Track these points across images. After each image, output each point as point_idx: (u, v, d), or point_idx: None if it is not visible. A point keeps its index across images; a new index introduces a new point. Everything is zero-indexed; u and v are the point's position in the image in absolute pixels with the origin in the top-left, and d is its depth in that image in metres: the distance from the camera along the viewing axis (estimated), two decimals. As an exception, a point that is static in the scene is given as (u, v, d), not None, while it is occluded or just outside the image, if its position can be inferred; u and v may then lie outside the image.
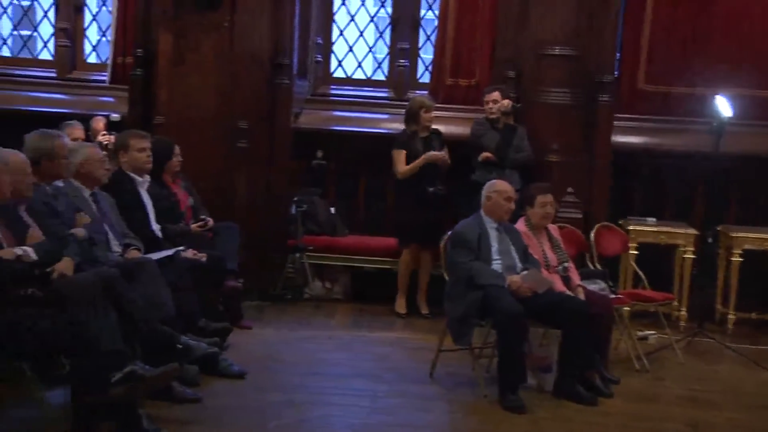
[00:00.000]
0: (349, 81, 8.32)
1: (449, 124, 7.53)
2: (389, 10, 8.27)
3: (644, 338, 6.55)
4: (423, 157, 6.96)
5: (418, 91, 7.84)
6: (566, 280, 5.59)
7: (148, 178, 5.96)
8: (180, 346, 4.83)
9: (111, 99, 7.99)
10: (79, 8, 8.39)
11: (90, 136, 7.26)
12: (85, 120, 7.43)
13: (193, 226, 6.23)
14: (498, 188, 5.55)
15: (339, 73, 8.32)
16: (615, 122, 7.33)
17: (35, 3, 8.62)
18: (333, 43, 8.29)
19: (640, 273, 6.59)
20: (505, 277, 5.25)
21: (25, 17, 8.74)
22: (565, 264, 5.67)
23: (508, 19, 7.48)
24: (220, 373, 5.22)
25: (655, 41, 7.64)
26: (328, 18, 8.19)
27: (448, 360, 5.57)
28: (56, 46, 8.39)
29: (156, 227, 5.88)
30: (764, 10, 7.59)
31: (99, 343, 3.97)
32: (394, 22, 8.21)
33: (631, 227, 7.08)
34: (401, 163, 7.03)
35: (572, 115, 7.26)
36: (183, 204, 6.35)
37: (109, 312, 4.12)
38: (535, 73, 7.31)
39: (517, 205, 5.70)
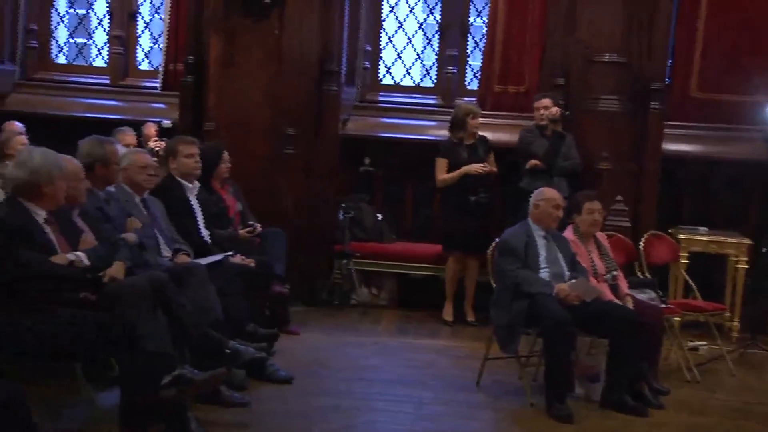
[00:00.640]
0: (397, 88, 8.34)
1: (497, 131, 7.51)
2: (438, 16, 8.27)
3: (695, 349, 6.45)
4: (461, 170, 6.96)
5: (466, 98, 7.82)
6: (614, 289, 5.54)
7: (197, 184, 6.03)
8: (228, 351, 4.87)
9: (162, 105, 8.10)
10: (133, 16, 8.53)
11: (141, 143, 7.38)
12: (137, 126, 7.55)
13: (242, 231, 6.29)
14: (546, 196, 5.52)
15: (387, 80, 8.34)
16: (665, 130, 7.26)
17: (90, 11, 8.78)
18: (381, 50, 8.31)
19: (691, 282, 6.50)
20: (552, 285, 5.21)
21: (80, 25, 8.90)
22: (614, 272, 5.62)
23: (557, 25, 7.45)
24: (268, 378, 5.24)
25: (707, 48, 7.52)
26: (377, 25, 8.22)
27: (494, 368, 5.55)
28: (110, 54, 8.53)
29: (205, 233, 5.94)
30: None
31: (149, 346, 4.03)
32: (443, 28, 8.21)
33: (681, 236, 6.98)
34: (441, 172, 7.05)
35: (622, 123, 7.20)
36: (232, 210, 6.41)
37: (159, 316, 4.19)
38: (584, 80, 7.27)
39: (566, 213, 5.66)
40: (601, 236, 5.81)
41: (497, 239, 5.58)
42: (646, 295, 5.78)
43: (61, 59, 8.75)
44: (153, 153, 6.91)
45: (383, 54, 8.34)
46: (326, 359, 5.91)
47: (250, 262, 5.81)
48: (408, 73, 8.39)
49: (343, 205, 7.42)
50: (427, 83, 8.42)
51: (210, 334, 4.68)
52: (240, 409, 4.75)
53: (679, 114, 7.52)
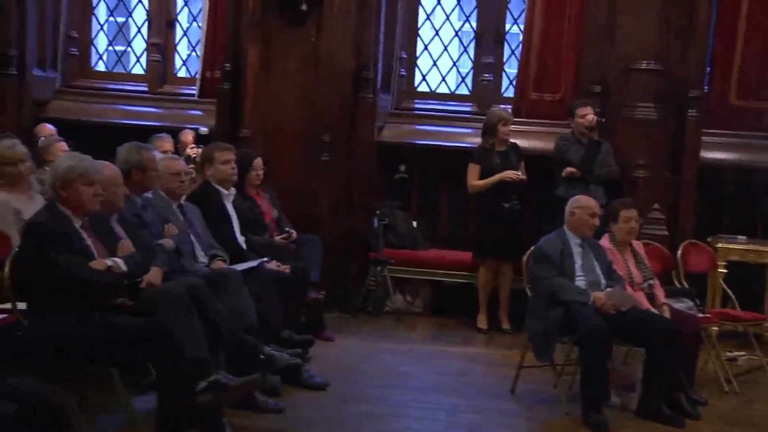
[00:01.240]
0: (432, 95, 8.33)
1: (532, 139, 7.49)
2: (474, 24, 8.26)
3: (733, 359, 6.36)
4: (497, 176, 6.94)
5: (501, 106, 7.80)
6: (651, 298, 5.49)
7: (233, 190, 6.07)
8: (263, 357, 4.91)
9: (199, 112, 8.17)
10: (171, 24, 8.63)
11: (179, 149, 7.44)
12: (175, 133, 7.63)
13: (277, 238, 6.32)
14: (582, 204, 5.48)
15: (423, 87, 8.34)
16: (703, 137, 7.18)
17: (130, 19, 8.89)
18: (417, 57, 8.32)
19: (729, 292, 6.42)
20: (588, 294, 5.18)
21: (120, 33, 9.02)
22: (651, 281, 5.57)
23: (594, 33, 7.41)
24: (302, 384, 5.26)
25: (747, 55, 7.42)
26: (413, 32, 8.22)
27: (529, 376, 5.52)
28: (148, 61, 8.62)
29: (241, 239, 5.99)
30: None
31: (185, 351, 4.06)
32: (479, 36, 8.19)
33: (719, 245, 6.89)
34: (473, 178, 7.05)
35: (659, 131, 7.15)
36: (267, 216, 6.45)
37: (195, 321, 4.21)
38: (621, 88, 7.23)
39: (602, 222, 5.62)
40: (638, 245, 5.76)
41: (533, 247, 5.55)
42: (683, 305, 5.72)
43: (101, 67, 8.87)
44: (190, 160, 6.97)
45: (419, 61, 8.35)
46: (361, 366, 5.91)
47: (286, 269, 5.84)
48: (444, 80, 8.38)
49: (377, 212, 7.43)
50: (463, 91, 8.40)
51: (245, 340, 4.71)
52: (274, 415, 4.78)
53: (718, 121, 7.43)
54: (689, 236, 6.73)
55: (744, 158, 7.42)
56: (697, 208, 7.17)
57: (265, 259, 5.73)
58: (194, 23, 8.81)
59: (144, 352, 4.06)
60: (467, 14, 8.34)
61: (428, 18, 8.31)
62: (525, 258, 5.63)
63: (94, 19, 8.79)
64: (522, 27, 7.98)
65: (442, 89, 8.39)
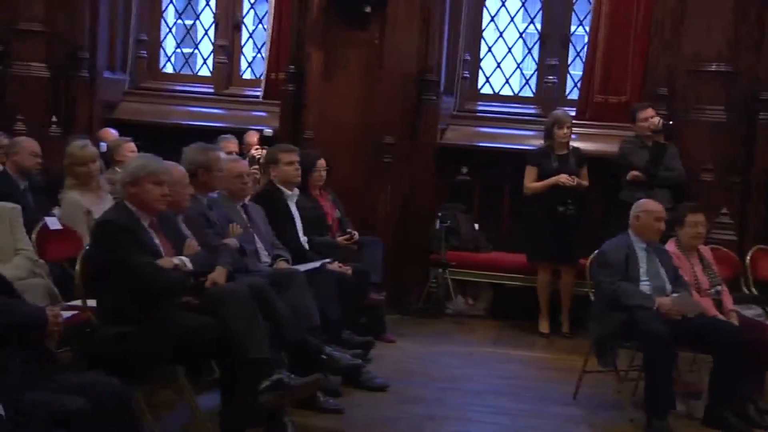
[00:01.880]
0: (496, 97, 8.29)
1: (597, 142, 7.41)
2: (538, 26, 8.20)
3: (803, 368, 6.20)
4: (551, 180, 6.90)
5: (566, 108, 7.73)
6: (719, 304, 5.37)
7: (297, 191, 6.12)
8: (324, 357, 4.94)
9: (264, 114, 8.27)
10: (238, 26, 8.75)
11: (243, 150, 7.54)
12: (240, 134, 7.73)
13: (340, 239, 6.36)
14: (647, 208, 5.40)
15: (486, 90, 8.31)
16: (775, 141, 7.02)
17: (197, 22, 9.03)
18: (481, 59, 8.29)
19: (800, 299, 6.26)
20: (653, 299, 5.10)
21: (187, 36, 9.17)
22: (718, 287, 5.45)
23: (661, 34, 7.30)
24: (362, 385, 5.28)
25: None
26: (477, 34, 8.19)
27: (592, 381, 5.44)
28: (214, 63, 8.76)
29: (304, 239, 6.03)
30: None
31: (249, 350, 4.10)
32: (544, 38, 8.13)
33: (791, 251, 6.73)
34: (529, 180, 7.03)
35: (727, 134, 7.01)
36: (329, 217, 6.49)
37: (259, 321, 4.26)
38: (688, 91, 7.10)
39: (668, 226, 5.53)
40: (705, 249, 5.65)
41: (596, 251, 5.48)
42: (752, 311, 5.59)
43: (169, 69, 9.03)
44: (254, 160, 7.06)
45: (483, 63, 8.32)
46: (421, 368, 5.91)
47: (348, 270, 5.87)
48: (507, 82, 8.34)
49: (439, 214, 7.42)
50: (527, 93, 8.35)
51: (307, 340, 4.74)
52: (335, 415, 4.81)
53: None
54: (758, 241, 6.57)
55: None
56: (766, 212, 7.00)
57: (328, 259, 5.76)
58: (260, 25, 8.92)
59: (208, 351, 4.13)
60: (532, 16, 8.29)
61: (492, 19, 8.27)
62: (588, 262, 5.57)
63: (163, 21, 8.96)
64: (587, 28, 7.90)
65: (506, 91, 8.35)
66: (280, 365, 4.46)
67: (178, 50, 9.24)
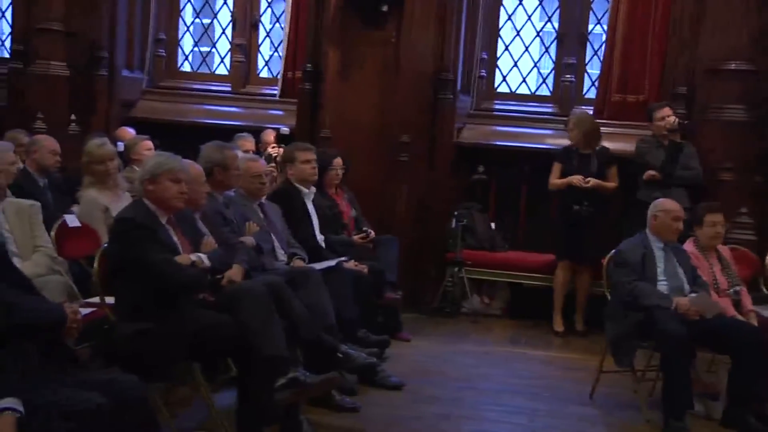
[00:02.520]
0: (512, 96, 8.27)
1: (614, 141, 7.37)
2: (556, 24, 8.17)
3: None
4: (566, 179, 6.93)
5: (583, 107, 7.70)
6: (737, 305, 5.34)
7: (313, 189, 6.14)
8: (340, 355, 4.94)
9: (280, 112, 8.28)
10: (255, 25, 8.77)
11: (260, 149, 7.56)
12: (257, 132, 7.75)
13: (356, 237, 6.37)
14: (665, 207, 5.37)
15: (503, 88, 8.29)
16: (795, 140, 6.97)
17: (215, 20, 9.06)
18: (498, 58, 8.27)
19: (820, 300, 6.21)
20: (671, 299, 5.07)
21: (205, 34, 9.20)
22: (737, 287, 5.41)
23: (680, 33, 7.27)
24: (378, 384, 5.28)
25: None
26: (494, 33, 8.18)
27: (608, 381, 5.42)
28: (232, 62, 8.78)
29: (320, 237, 6.04)
30: None
31: (265, 348, 4.10)
32: (561, 36, 8.10)
33: (811, 251, 6.68)
34: (553, 176, 7.06)
35: (747, 133, 6.96)
36: (345, 215, 6.50)
37: (275, 318, 4.26)
38: (707, 89, 7.06)
39: (686, 226, 5.50)
40: (724, 249, 5.61)
41: (613, 250, 5.46)
42: (771, 312, 5.56)
43: (186, 67, 9.06)
44: (270, 159, 7.08)
45: (499, 62, 8.30)
46: (437, 367, 5.91)
47: (364, 268, 5.87)
48: (524, 81, 8.32)
49: (456, 213, 7.41)
50: (544, 92, 8.32)
51: (323, 338, 4.74)
52: (350, 413, 4.81)
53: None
54: (778, 242, 6.54)
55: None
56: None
57: (344, 258, 5.77)
58: (277, 24, 8.93)
59: (225, 349, 4.14)
60: (549, 14, 8.26)
61: (509, 18, 8.25)
62: (605, 261, 5.55)
63: (180, 20, 8.99)
64: (605, 27, 7.87)
65: (523, 90, 8.32)
66: (296, 363, 4.47)
67: (196, 49, 9.27)
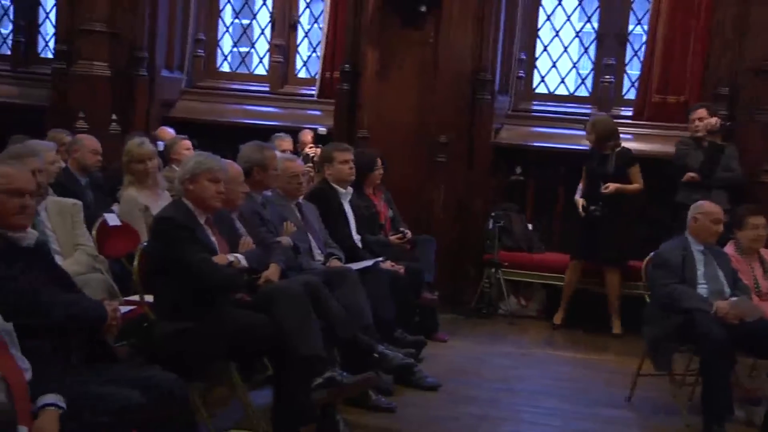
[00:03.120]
0: (551, 97, 8.22)
1: (654, 142, 7.31)
2: (595, 24, 8.11)
3: None
4: (581, 183, 6.98)
5: (623, 108, 7.64)
6: (779, 310, 5.26)
7: (350, 189, 6.15)
8: (377, 355, 4.95)
9: (318, 112, 8.32)
10: (294, 26, 8.81)
11: (298, 149, 7.59)
12: (294, 133, 7.78)
13: (392, 237, 6.37)
14: (705, 209, 5.30)
15: (541, 89, 8.25)
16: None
17: (254, 21, 9.12)
18: (536, 59, 8.23)
19: None
20: (711, 303, 5.00)
21: (244, 35, 9.26)
22: (779, 291, 5.34)
23: (722, 33, 7.18)
24: (415, 384, 5.27)
25: None
26: (533, 33, 8.14)
27: (646, 385, 5.38)
28: (270, 62, 8.83)
29: (357, 238, 6.06)
30: None
31: (301, 348, 4.12)
32: (601, 37, 8.04)
33: None
34: (582, 180, 7.11)
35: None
36: (382, 215, 6.51)
37: (312, 318, 4.28)
38: (750, 90, 6.97)
39: (726, 228, 5.43)
40: (765, 253, 5.53)
41: (652, 253, 5.40)
42: (813, 317, 5.46)
43: (225, 67, 9.13)
44: (308, 159, 7.11)
45: (538, 62, 8.26)
46: (473, 368, 5.90)
47: (400, 269, 5.88)
48: (563, 81, 8.26)
49: (493, 214, 7.39)
50: (582, 92, 8.27)
51: (360, 339, 4.75)
52: (387, 413, 4.82)
53: None
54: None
55: None
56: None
57: (380, 258, 5.77)
58: (315, 25, 8.97)
59: (262, 348, 4.16)
60: (589, 14, 8.21)
61: (548, 18, 8.20)
62: (644, 264, 5.50)
63: (220, 21, 9.06)
64: (646, 27, 7.79)
65: (561, 91, 8.27)
66: (333, 363, 4.49)
67: (235, 49, 9.33)
